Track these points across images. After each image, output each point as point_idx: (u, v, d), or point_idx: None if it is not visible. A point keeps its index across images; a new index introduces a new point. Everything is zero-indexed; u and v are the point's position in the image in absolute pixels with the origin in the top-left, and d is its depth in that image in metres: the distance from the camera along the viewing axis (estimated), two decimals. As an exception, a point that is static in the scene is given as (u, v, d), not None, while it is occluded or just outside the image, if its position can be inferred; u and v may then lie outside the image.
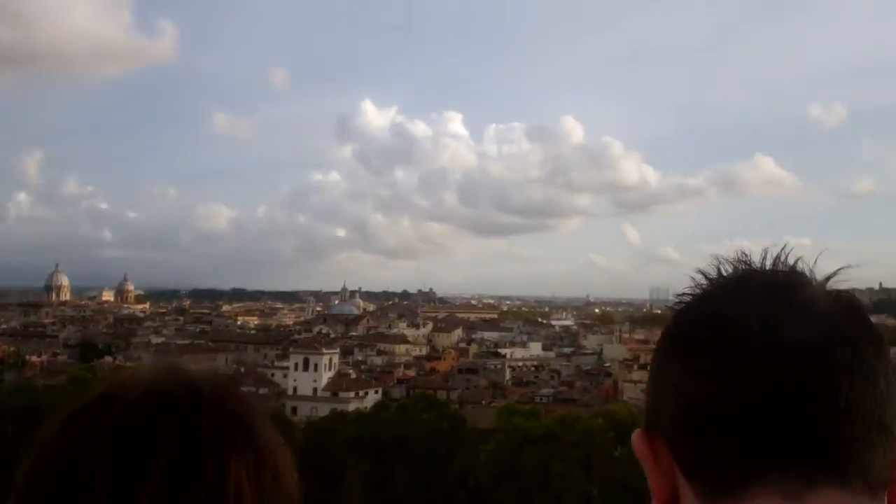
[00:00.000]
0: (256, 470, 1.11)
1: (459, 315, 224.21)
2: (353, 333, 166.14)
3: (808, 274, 1.43)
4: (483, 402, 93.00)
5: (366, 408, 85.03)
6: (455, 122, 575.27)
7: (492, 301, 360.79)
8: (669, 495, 1.32)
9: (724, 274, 1.38)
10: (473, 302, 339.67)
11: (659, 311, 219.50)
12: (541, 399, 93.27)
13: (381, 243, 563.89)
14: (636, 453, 1.36)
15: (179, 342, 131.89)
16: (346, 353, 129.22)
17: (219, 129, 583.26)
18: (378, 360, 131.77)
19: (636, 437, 1.35)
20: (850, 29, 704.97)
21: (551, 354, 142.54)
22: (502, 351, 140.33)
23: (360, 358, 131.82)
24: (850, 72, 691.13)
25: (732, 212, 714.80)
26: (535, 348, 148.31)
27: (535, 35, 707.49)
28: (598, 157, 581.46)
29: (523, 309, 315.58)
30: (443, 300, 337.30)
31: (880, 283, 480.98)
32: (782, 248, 1.42)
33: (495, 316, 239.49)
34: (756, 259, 1.39)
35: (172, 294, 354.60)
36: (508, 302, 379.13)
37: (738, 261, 1.41)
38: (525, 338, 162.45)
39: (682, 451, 1.29)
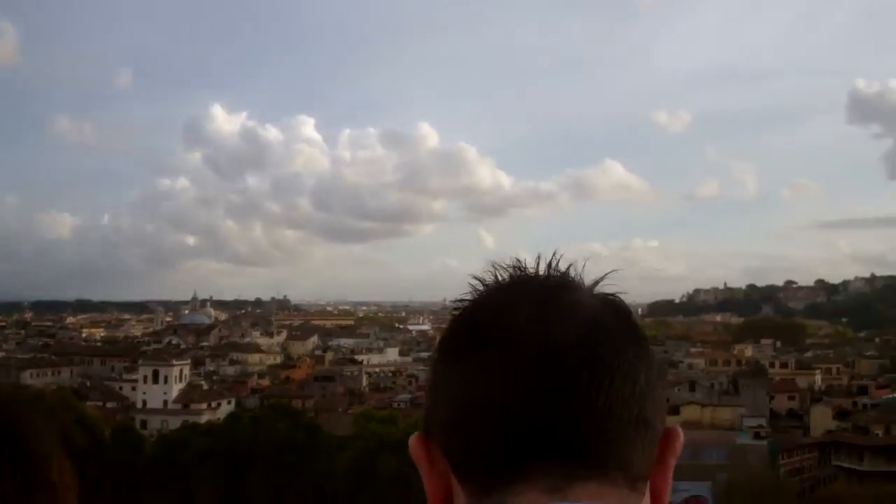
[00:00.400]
0: (25, 483, 1.03)
1: (315, 322, 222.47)
2: (205, 343, 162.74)
3: (577, 278, 1.45)
4: (339, 409, 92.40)
5: (219, 419, 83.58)
6: (308, 127, 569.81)
7: (348, 307, 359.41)
8: (444, 497, 1.36)
9: (499, 280, 1.42)
10: (329, 309, 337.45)
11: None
12: (398, 404, 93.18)
13: (233, 250, 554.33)
14: (412, 457, 1.38)
15: (21, 356, 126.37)
16: (198, 363, 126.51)
17: (61, 133, 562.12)
18: (231, 370, 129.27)
19: (412, 440, 1.38)
20: (694, 38, 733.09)
21: (408, 360, 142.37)
22: (359, 357, 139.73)
23: (212, 368, 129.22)
24: (693, 79, 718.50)
25: (584, 215, 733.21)
26: (392, 354, 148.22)
27: (390, 39, 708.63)
28: (453, 162, 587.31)
29: (380, 314, 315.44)
30: (297, 308, 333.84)
31: (725, 283, 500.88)
32: (553, 254, 1.45)
33: (351, 322, 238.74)
34: (531, 264, 1.43)
35: (13, 307, 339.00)
36: (365, 308, 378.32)
37: (513, 267, 1.44)
38: (381, 344, 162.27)
39: (454, 453, 1.33)
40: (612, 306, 1.46)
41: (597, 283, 1.47)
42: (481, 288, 1.43)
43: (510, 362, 1.29)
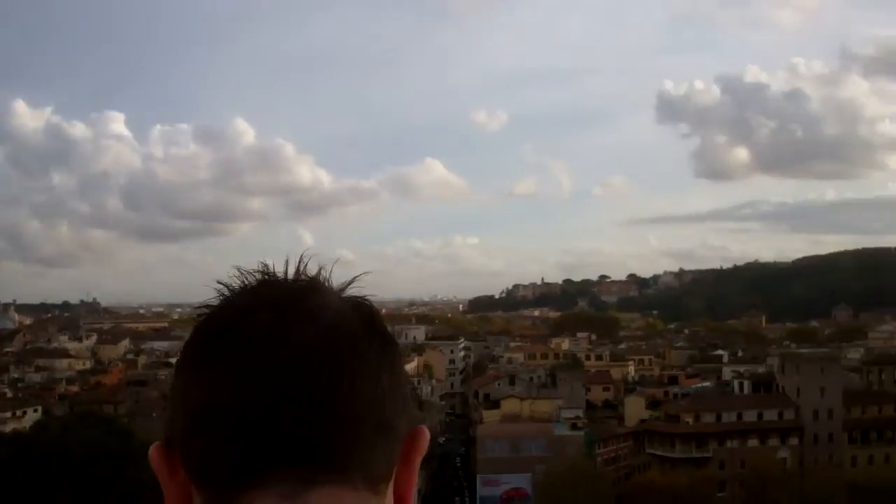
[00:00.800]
0: None
1: (126, 325, 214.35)
2: (9, 349, 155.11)
3: (324, 281, 1.48)
4: (154, 414, 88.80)
5: (25, 428, 79.36)
6: (117, 123, 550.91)
7: (161, 309, 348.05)
8: None
9: (245, 285, 1.43)
10: (141, 311, 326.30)
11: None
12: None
13: (38, 252, 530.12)
14: (153, 466, 1.38)
15: None
16: (1, 370, 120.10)
17: None
18: (37, 377, 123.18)
19: (152, 450, 1.37)
20: (511, 39, 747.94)
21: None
22: (174, 361, 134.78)
23: (16, 375, 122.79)
24: (510, 79, 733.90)
25: (406, 213, 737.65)
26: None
27: (203, 34, 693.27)
28: (271, 159, 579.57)
29: (196, 316, 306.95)
30: (108, 310, 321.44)
31: (542, 279, 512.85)
32: (301, 258, 1.48)
33: (166, 325, 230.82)
34: (280, 269, 1.44)
35: None
36: (180, 310, 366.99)
37: (260, 272, 1.46)
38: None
39: (192, 462, 1.31)
40: (359, 309, 1.46)
41: (346, 285, 1.48)
42: (227, 293, 1.42)
43: (246, 367, 1.28)
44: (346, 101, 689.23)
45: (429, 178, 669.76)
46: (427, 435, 1.47)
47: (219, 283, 1.43)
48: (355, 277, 1.52)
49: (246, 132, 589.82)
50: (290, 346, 1.30)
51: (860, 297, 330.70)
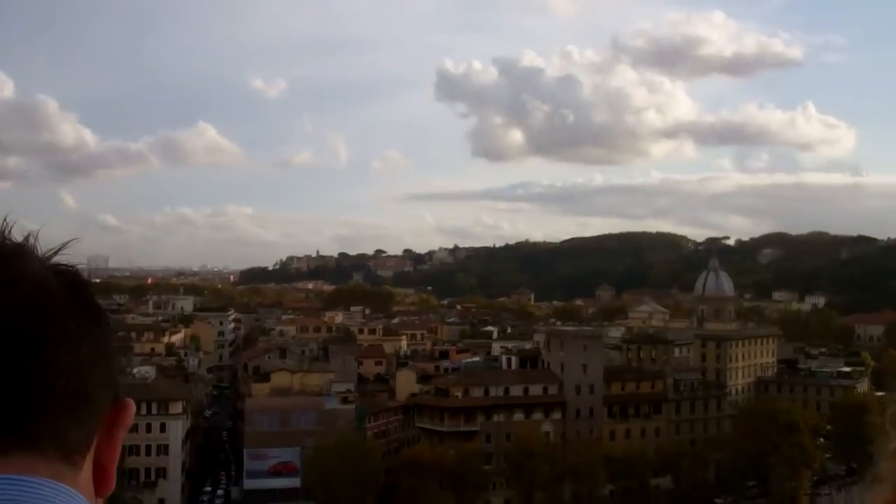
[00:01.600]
0: None
1: None
2: None
3: (31, 248, 1.46)
4: None
5: None
6: None
7: None
8: None
9: None
10: None
11: (98, 281, 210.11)
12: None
13: None
14: None
15: None
16: None
17: None
18: None
19: None
20: (292, 5, 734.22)
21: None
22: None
23: None
24: (290, 47, 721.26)
25: (175, 179, 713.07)
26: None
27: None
28: (30, 115, 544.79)
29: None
30: None
31: (317, 251, 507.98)
32: (5, 220, 1.45)
33: None
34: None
35: None
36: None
37: None
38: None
39: None
40: (64, 277, 1.44)
41: (53, 253, 1.45)
42: None
43: None
44: (115, 57, 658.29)
45: (201, 144, 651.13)
46: (132, 408, 1.52)
47: None
48: (64, 244, 1.46)
49: (3, 84, 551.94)
50: None
51: (622, 278, 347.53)
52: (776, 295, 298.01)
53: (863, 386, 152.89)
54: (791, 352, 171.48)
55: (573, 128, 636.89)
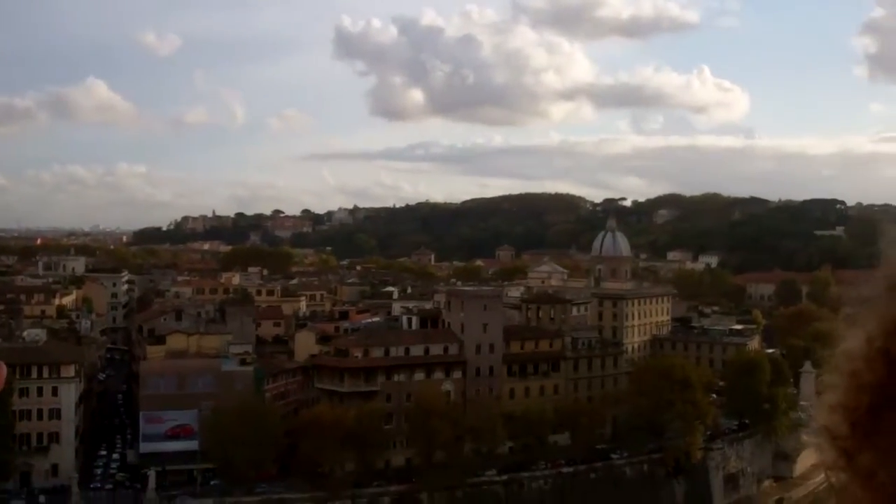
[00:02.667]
0: None
1: None
2: None
3: None
4: None
5: None
6: None
7: None
8: None
9: None
10: None
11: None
12: None
13: None
14: None
15: None
16: None
17: None
18: None
19: None
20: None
21: None
22: None
23: None
24: (183, 3, 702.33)
25: (64, 136, 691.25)
26: None
27: None
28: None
29: None
30: None
31: (213, 211, 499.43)
32: None
33: None
34: None
35: None
36: None
37: None
38: None
39: None
40: None
41: None
42: None
43: None
44: None
45: (91, 100, 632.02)
46: (4, 371, 1.44)
47: None
48: None
49: None
50: None
51: (521, 238, 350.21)
52: (671, 255, 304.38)
53: (754, 343, 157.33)
54: (685, 310, 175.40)
55: (473, 88, 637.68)
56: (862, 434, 1.97)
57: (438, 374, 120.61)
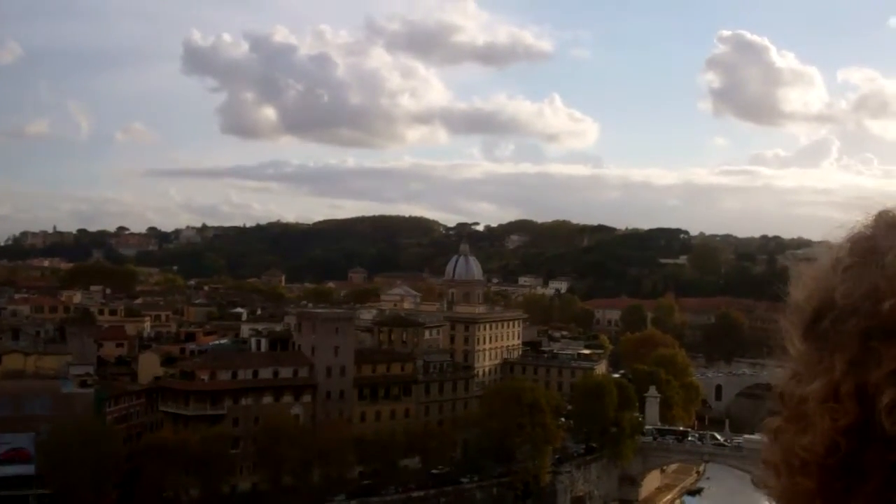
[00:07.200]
0: None
1: None
2: None
3: None
4: None
5: None
6: None
7: None
8: None
9: None
10: None
11: None
12: None
13: None
14: None
15: None
16: None
17: None
18: None
19: None
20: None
21: None
22: None
23: None
24: (24, 11, 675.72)
25: None
26: None
27: None
28: None
29: None
30: None
31: (54, 227, 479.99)
32: None
33: None
34: None
35: None
36: None
37: None
38: None
39: None
40: None
41: None
42: None
43: None
44: None
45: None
46: None
47: None
48: None
49: None
50: None
51: (374, 260, 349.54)
52: (522, 280, 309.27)
53: (601, 368, 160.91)
54: (535, 334, 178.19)
55: (327, 108, 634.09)
56: (841, 486, 1.83)
57: (288, 398, 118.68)
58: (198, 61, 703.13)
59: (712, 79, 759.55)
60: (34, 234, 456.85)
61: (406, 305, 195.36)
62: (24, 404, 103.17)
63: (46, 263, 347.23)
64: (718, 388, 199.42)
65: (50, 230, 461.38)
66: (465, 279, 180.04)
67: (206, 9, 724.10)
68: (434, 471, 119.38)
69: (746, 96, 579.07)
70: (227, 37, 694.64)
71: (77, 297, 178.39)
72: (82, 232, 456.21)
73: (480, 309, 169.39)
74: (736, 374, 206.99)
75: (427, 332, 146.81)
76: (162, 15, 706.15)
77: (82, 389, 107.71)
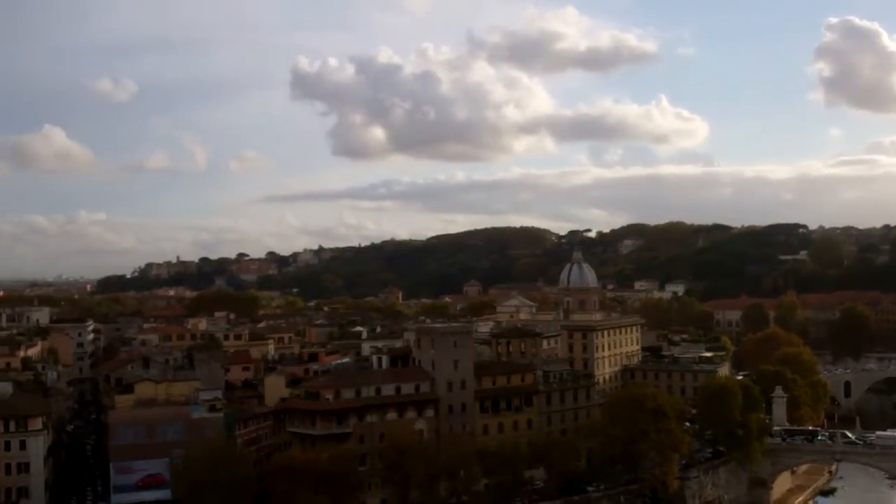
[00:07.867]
0: None
1: None
2: None
3: None
4: None
5: None
6: None
7: None
8: None
9: None
10: None
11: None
12: None
13: None
14: None
15: None
16: None
17: None
18: None
19: None
20: (130, 5, 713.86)
21: None
22: None
23: None
24: (137, 49, 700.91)
25: (23, 184, 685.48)
26: None
27: None
28: None
29: None
30: None
31: (177, 257, 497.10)
32: None
33: None
34: None
35: None
36: None
37: None
38: None
39: None
40: None
41: None
42: None
43: None
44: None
45: (49, 148, 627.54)
46: None
47: None
48: None
49: None
50: None
51: (488, 273, 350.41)
52: (638, 284, 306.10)
53: (724, 370, 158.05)
54: (654, 339, 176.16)
55: (434, 124, 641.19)
56: None
57: (411, 413, 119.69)
58: (306, 87, 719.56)
59: (822, 68, 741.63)
60: (159, 265, 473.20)
61: (522, 316, 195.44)
62: (157, 431, 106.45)
63: (172, 293, 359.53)
64: (847, 385, 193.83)
65: (173, 260, 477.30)
66: (579, 287, 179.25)
67: (311, 35, 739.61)
68: (559, 481, 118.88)
69: (859, 84, 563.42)
70: (332, 61, 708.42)
71: (202, 324, 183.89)
72: (204, 260, 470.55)
73: (597, 316, 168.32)
74: (864, 369, 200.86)
75: (545, 342, 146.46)
76: (267, 44, 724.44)
77: (212, 414, 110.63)
